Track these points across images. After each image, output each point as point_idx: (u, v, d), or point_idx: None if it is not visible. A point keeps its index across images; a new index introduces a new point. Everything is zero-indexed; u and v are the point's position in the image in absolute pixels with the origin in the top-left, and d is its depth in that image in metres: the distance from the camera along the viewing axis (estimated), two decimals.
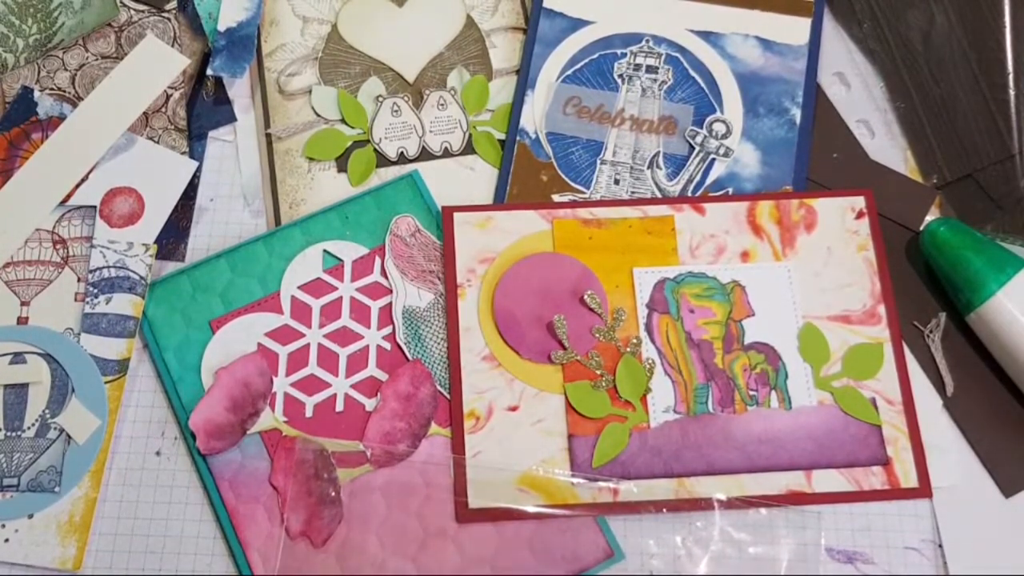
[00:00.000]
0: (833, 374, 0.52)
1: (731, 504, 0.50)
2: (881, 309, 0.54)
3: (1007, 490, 0.51)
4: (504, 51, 0.62)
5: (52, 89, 0.59)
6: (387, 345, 0.53)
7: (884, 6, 0.62)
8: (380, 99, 0.60)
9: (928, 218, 0.57)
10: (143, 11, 0.62)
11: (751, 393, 0.52)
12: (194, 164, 0.58)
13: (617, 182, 0.58)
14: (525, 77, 0.60)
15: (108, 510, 0.51)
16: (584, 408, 0.51)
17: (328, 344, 0.53)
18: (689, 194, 0.57)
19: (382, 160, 0.59)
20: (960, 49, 0.59)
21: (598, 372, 0.52)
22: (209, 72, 0.59)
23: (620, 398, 0.51)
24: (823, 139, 0.59)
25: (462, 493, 0.50)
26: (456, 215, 0.55)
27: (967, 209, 0.57)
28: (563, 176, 0.58)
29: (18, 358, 0.53)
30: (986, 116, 0.58)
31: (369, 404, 0.52)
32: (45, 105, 0.58)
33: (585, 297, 0.53)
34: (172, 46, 0.60)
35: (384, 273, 0.55)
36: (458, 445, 0.51)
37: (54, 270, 0.55)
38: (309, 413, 0.52)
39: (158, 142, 0.58)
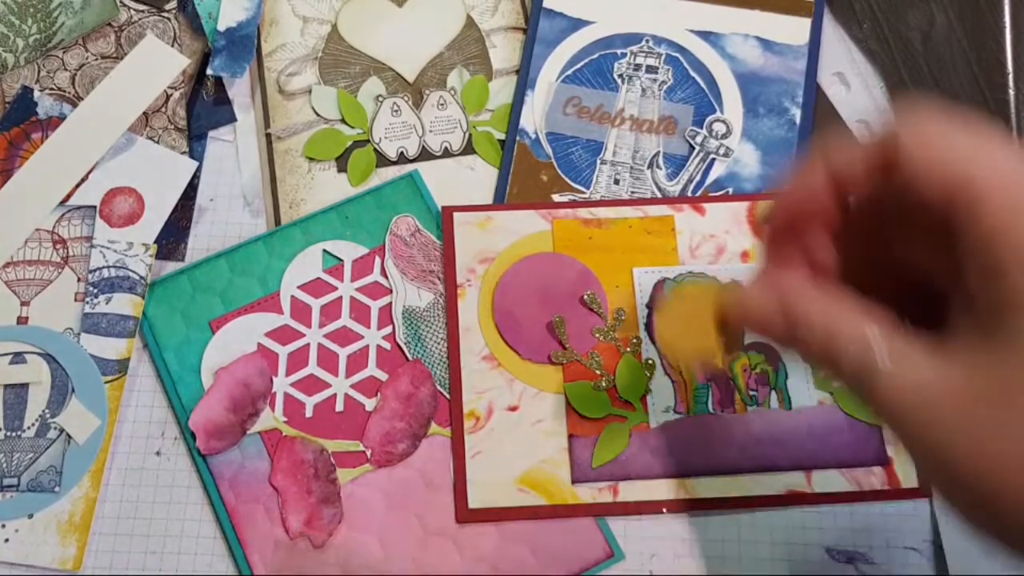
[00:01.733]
0: None
1: (730, 504, 0.50)
2: None
3: None
4: (504, 51, 0.62)
5: (52, 89, 0.59)
6: (387, 345, 0.53)
7: (884, 6, 0.62)
8: (380, 99, 0.60)
9: None
10: (143, 11, 0.62)
11: (751, 393, 0.52)
12: (194, 164, 0.58)
13: (617, 182, 0.58)
14: (525, 77, 0.60)
15: (108, 510, 0.51)
16: (584, 408, 0.51)
17: (328, 344, 0.53)
18: (689, 194, 0.57)
19: (382, 160, 0.59)
20: (960, 49, 0.59)
21: (598, 372, 0.52)
22: (209, 72, 0.59)
23: (620, 398, 0.51)
24: (823, 139, 0.59)
25: (462, 493, 0.50)
26: (456, 215, 0.55)
27: None
28: (563, 176, 0.58)
29: (18, 358, 0.53)
30: (986, 116, 0.58)
31: (369, 404, 0.52)
32: (45, 105, 0.58)
33: (585, 297, 0.53)
34: (172, 46, 0.60)
35: (384, 273, 0.55)
36: (458, 445, 0.51)
37: (54, 270, 0.55)
38: (309, 413, 0.52)
39: (158, 142, 0.58)
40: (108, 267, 0.54)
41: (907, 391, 0.29)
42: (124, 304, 0.54)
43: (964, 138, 0.29)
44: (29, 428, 0.52)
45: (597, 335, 0.52)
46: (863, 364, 0.30)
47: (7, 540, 0.50)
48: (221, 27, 0.59)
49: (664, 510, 0.50)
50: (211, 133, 0.60)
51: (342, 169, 0.59)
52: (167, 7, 0.62)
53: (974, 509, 0.29)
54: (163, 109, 0.59)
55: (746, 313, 0.36)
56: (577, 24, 0.62)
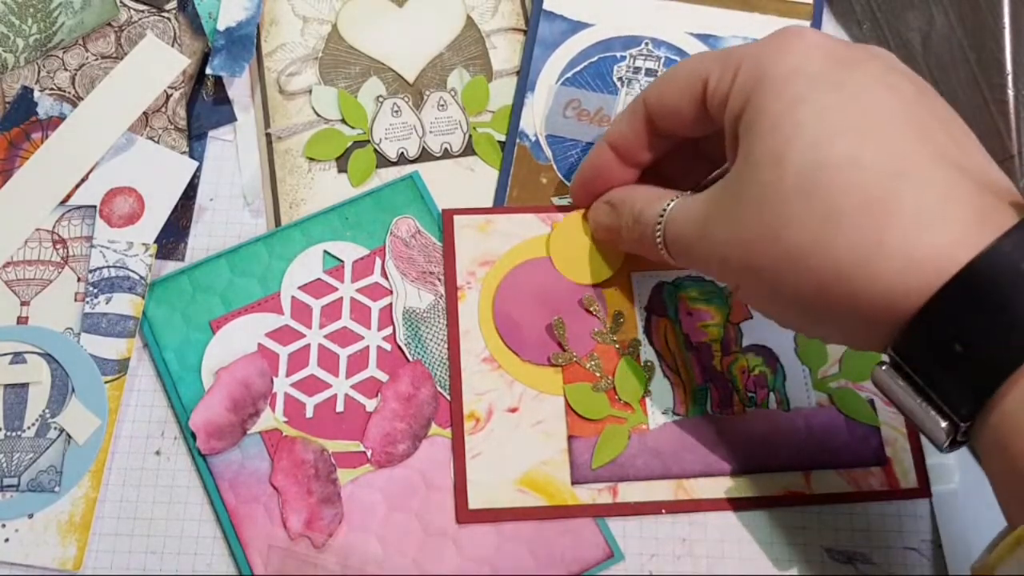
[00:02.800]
0: (831, 376, 0.52)
1: (730, 505, 0.50)
2: None
3: None
4: (504, 52, 0.62)
5: (52, 89, 0.59)
6: (387, 346, 0.53)
7: (884, 7, 0.62)
8: (380, 99, 0.60)
9: None
10: (143, 11, 0.62)
11: (749, 395, 0.52)
12: (194, 164, 0.58)
13: None
14: (525, 79, 0.60)
15: (108, 510, 0.51)
16: (584, 410, 0.51)
17: (328, 345, 0.53)
18: None
19: (382, 160, 0.59)
20: (960, 50, 0.59)
21: (597, 374, 0.52)
22: (208, 71, 0.59)
23: (619, 400, 0.52)
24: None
25: (462, 493, 0.50)
26: (456, 218, 0.55)
27: None
28: (563, 179, 0.58)
29: (18, 358, 0.53)
30: (986, 116, 0.58)
31: (370, 405, 0.52)
32: (45, 105, 0.58)
33: (584, 300, 0.53)
34: (172, 46, 0.60)
35: (384, 274, 0.55)
36: (458, 446, 0.51)
37: (54, 270, 0.55)
38: (309, 413, 0.52)
39: (158, 142, 0.58)
40: (108, 267, 0.54)
41: (680, 219, 0.42)
42: (124, 304, 0.54)
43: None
44: (29, 428, 0.52)
45: (596, 337, 0.53)
46: (656, 219, 0.43)
47: (7, 540, 0.50)
48: (220, 26, 0.59)
49: (663, 511, 0.50)
50: (211, 133, 0.60)
51: (342, 169, 0.59)
52: (167, 7, 0.62)
53: (753, 288, 0.39)
54: (163, 109, 0.59)
55: (594, 220, 0.51)
56: (576, 27, 0.62)
